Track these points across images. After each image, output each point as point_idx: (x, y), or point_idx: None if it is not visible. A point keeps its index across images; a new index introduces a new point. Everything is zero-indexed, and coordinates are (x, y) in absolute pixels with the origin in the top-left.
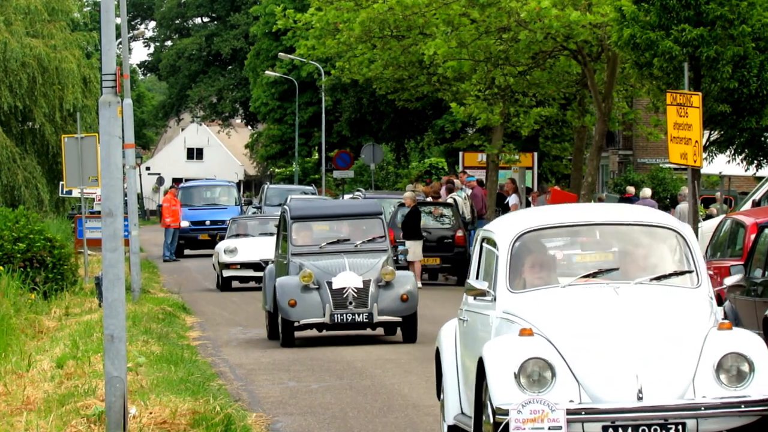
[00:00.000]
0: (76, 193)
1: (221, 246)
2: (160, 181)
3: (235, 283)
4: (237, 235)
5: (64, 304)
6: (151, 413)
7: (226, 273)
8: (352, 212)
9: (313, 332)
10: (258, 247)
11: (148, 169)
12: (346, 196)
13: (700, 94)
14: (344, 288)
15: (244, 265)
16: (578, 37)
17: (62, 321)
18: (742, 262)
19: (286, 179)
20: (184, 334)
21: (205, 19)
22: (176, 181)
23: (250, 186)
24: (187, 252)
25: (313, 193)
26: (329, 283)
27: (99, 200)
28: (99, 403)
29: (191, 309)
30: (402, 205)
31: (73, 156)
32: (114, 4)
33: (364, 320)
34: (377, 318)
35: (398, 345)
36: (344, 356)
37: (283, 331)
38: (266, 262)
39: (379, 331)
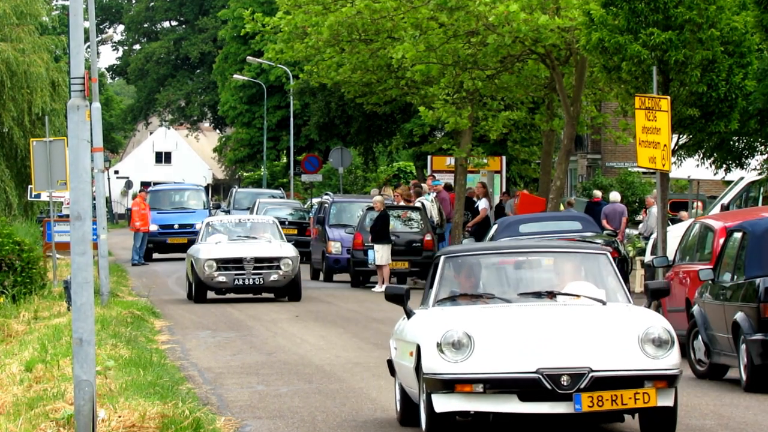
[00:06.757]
0: (44, 196)
1: (424, 332)
2: (129, 184)
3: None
4: (474, 297)
5: (32, 307)
6: (119, 417)
7: (443, 404)
8: None
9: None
10: (542, 342)
11: (116, 172)
12: (315, 200)
13: (668, 98)
14: None
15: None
16: (547, 41)
17: (31, 324)
18: (711, 266)
19: (255, 183)
20: (152, 337)
21: (174, 23)
22: (145, 184)
23: (218, 190)
24: (155, 256)
25: (281, 197)
26: None
27: (67, 204)
28: (68, 406)
29: (160, 313)
30: (371, 208)
31: (42, 160)
32: (82, 8)
33: None
34: None
35: (367, 349)
36: (313, 360)
37: None
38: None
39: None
